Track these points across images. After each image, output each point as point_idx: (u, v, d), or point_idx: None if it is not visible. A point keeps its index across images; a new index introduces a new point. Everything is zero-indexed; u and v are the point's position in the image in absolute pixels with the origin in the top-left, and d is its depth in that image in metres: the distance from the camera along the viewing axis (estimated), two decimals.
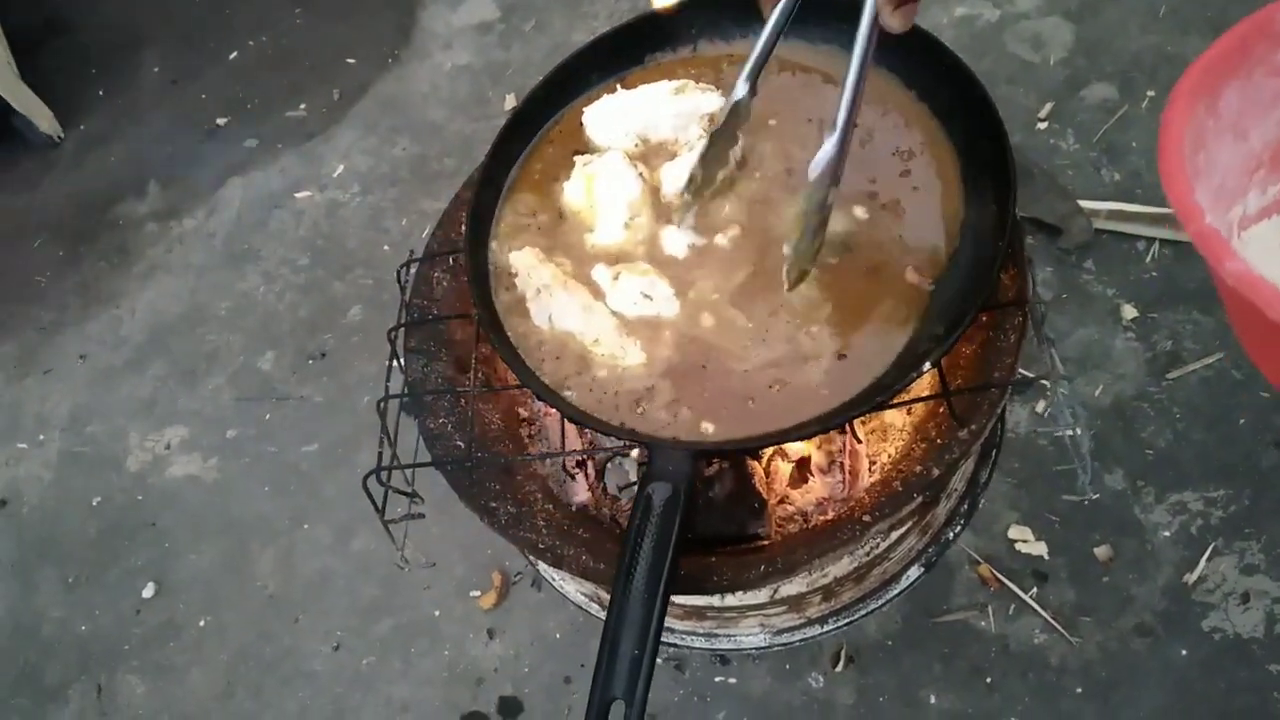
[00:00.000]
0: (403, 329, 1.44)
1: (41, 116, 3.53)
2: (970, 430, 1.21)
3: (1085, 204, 2.50)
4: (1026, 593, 2.11)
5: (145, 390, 2.93)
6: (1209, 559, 2.08)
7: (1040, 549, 2.16)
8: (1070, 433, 1.21)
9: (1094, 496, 2.18)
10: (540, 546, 1.25)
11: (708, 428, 1.20)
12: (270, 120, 3.42)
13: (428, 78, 3.35)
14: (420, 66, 3.39)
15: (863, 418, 1.37)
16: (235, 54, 3.65)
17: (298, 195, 3.20)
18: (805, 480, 1.41)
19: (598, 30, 3.22)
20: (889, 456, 1.40)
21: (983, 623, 2.10)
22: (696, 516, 1.18)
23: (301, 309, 2.96)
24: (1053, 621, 2.06)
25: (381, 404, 1.36)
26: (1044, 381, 1.23)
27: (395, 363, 1.45)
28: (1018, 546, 2.17)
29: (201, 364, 2.94)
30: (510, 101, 3.18)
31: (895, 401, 1.17)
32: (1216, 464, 2.18)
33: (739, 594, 1.32)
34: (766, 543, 1.31)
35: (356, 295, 2.93)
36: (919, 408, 1.37)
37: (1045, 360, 1.25)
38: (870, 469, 1.40)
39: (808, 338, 1.24)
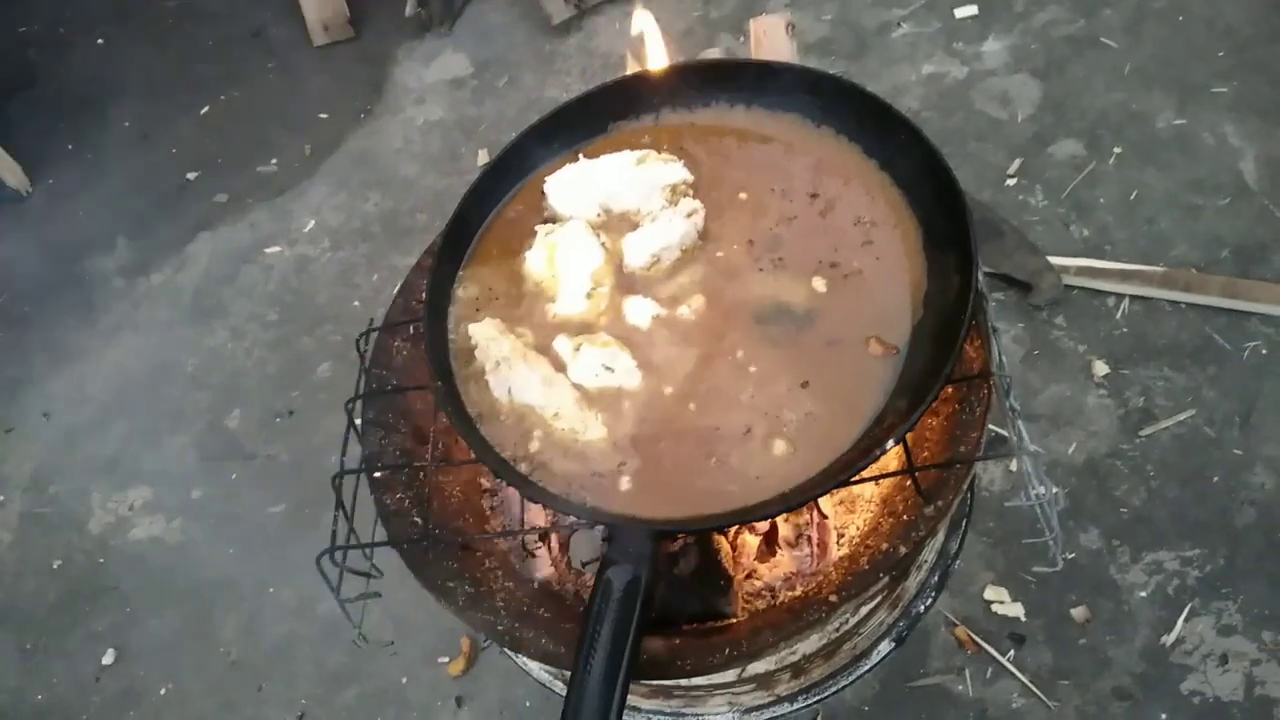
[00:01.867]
0: (360, 400, 1.41)
1: (9, 171, 3.50)
2: (936, 507, 1.19)
3: (1055, 260, 2.51)
4: (1004, 655, 2.09)
5: (109, 449, 2.88)
6: (1186, 620, 2.06)
7: (1017, 610, 2.14)
8: (1039, 504, 1.18)
9: (1068, 557, 2.16)
10: (499, 629, 1.22)
11: (670, 505, 1.17)
12: (241, 175, 3.41)
13: (400, 132, 3.35)
14: (392, 121, 3.39)
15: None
16: (206, 108, 3.64)
17: (267, 250, 3.17)
18: (773, 554, 1.38)
19: (570, 86, 3.24)
20: (857, 529, 1.38)
21: (960, 686, 2.07)
22: (660, 597, 1.14)
23: (269, 366, 2.92)
24: (1030, 685, 2.03)
25: (337, 479, 1.32)
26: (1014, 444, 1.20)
27: (353, 434, 1.42)
28: (994, 608, 2.15)
29: (166, 423, 2.89)
30: (483, 157, 3.18)
31: (860, 478, 1.15)
32: (1191, 522, 2.17)
33: None
34: (733, 621, 1.28)
35: (325, 352, 2.90)
36: (886, 479, 1.34)
37: (1011, 433, 1.23)
38: (839, 542, 1.37)
39: (771, 412, 1.22)
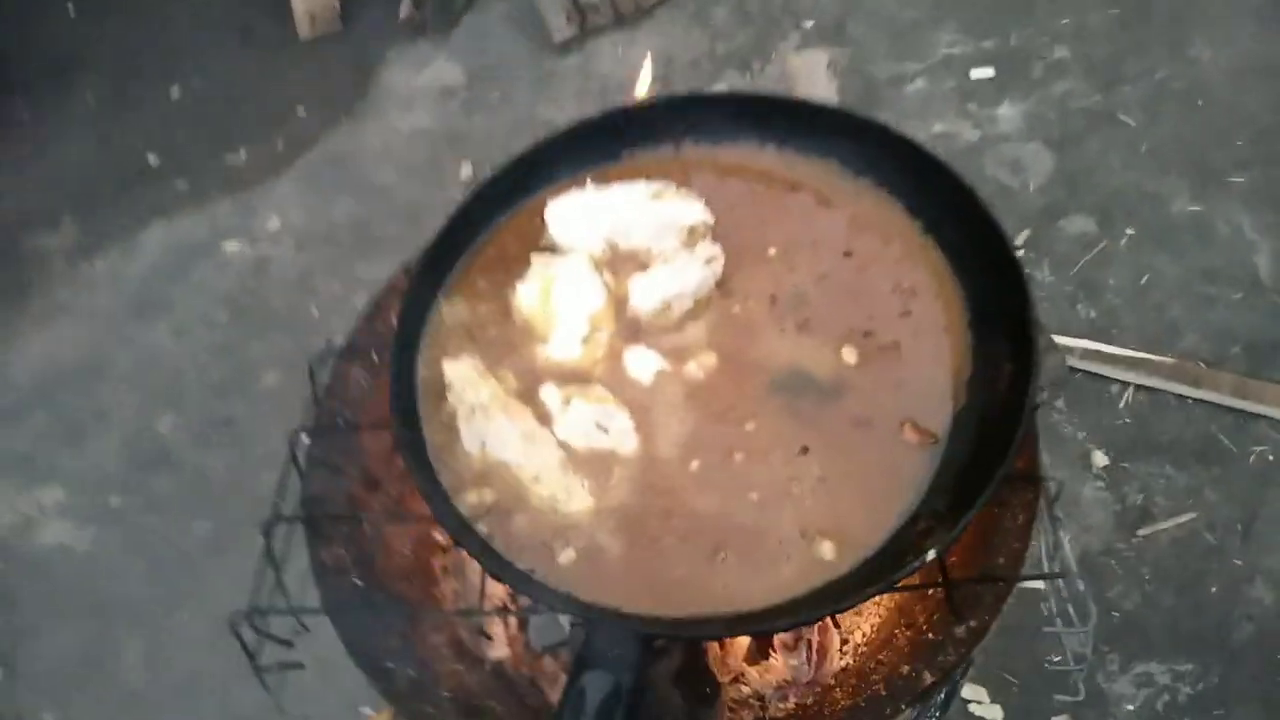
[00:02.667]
0: (306, 434, 1.22)
1: None
2: (970, 628, 1.02)
3: (1059, 340, 2.39)
4: None
5: (23, 444, 2.64)
6: None
7: (995, 713, 1.99)
8: (1077, 641, 1.03)
9: (1054, 661, 2.01)
10: None
11: (661, 600, 0.99)
12: (206, 164, 3.20)
13: (381, 138, 3.17)
14: (374, 125, 3.21)
15: None
16: (177, 90, 3.42)
17: (225, 246, 2.97)
18: (766, 656, 1.20)
19: (565, 108, 3.08)
20: (864, 635, 1.21)
21: None
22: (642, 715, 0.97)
23: (212, 370, 2.71)
24: None
25: (268, 527, 1.13)
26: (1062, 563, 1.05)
27: (294, 472, 1.23)
28: (971, 708, 1.99)
29: (91, 421, 2.66)
30: (466, 171, 3.01)
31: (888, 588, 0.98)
32: (1186, 634, 2.04)
33: None
34: None
35: (274, 360, 2.69)
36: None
37: (1056, 552, 1.08)
38: (841, 649, 1.20)
39: (787, 497, 1.05)
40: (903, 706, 0.98)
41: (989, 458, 1.01)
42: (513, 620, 1.26)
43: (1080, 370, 2.38)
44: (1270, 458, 2.23)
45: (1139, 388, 2.35)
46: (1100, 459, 2.26)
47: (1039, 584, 1.18)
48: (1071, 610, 1.08)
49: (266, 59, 3.51)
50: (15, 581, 2.43)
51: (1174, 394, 2.32)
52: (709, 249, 1.19)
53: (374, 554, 1.16)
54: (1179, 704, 1.97)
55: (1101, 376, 2.37)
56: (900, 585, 1.05)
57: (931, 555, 0.94)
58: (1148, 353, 2.37)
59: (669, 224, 1.20)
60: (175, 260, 2.97)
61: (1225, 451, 2.24)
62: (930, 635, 1.04)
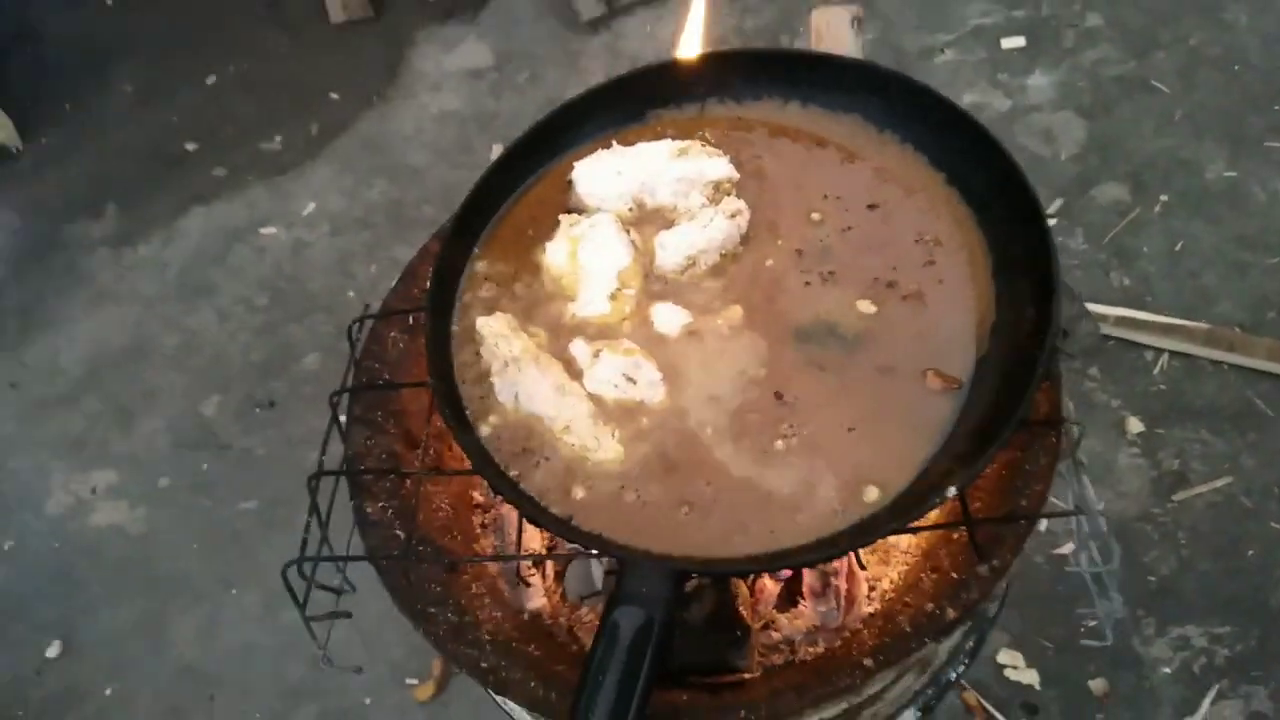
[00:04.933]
0: (348, 394, 1.26)
1: (0, 125, 3.35)
2: (992, 566, 1.04)
3: (1092, 307, 2.38)
4: None
5: (76, 427, 2.72)
6: (1212, 703, 1.92)
7: (1031, 677, 2.00)
8: (1101, 574, 1.05)
9: (1090, 625, 2.02)
10: (483, 666, 1.06)
11: (691, 541, 1.02)
12: (242, 150, 3.26)
13: (412, 120, 3.22)
14: (405, 108, 3.26)
15: None
16: (213, 78, 3.50)
17: (263, 231, 3.03)
18: (795, 604, 1.23)
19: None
20: (891, 582, 1.23)
21: None
22: (671, 648, 1.00)
23: (254, 352, 2.78)
24: None
25: (313, 480, 1.17)
26: (1080, 516, 1.07)
27: (336, 432, 1.27)
28: (1007, 673, 2.00)
29: (140, 403, 2.74)
30: (497, 151, 3.05)
31: (911, 528, 1.00)
32: (1223, 598, 2.03)
33: None
34: (747, 677, 1.13)
35: (314, 342, 2.75)
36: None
37: (1077, 490, 1.09)
38: (869, 595, 1.22)
39: (812, 444, 1.07)
40: (926, 640, 1.00)
41: (1011, 402, 1.02)
42: (549, 573, 1.30)
43: (1114, 338, 2.37)
44: None
45: (1173, 354, 2.34)
46: (1135, 425, 2.25)
47: (1067, 548, 1.18)
48: (1095, 551, 1.09)
49: (299, 44, 3.57)
50: (72, 561, 2.50)
51: (1209, 360, 2.31)
52: (733, 204, 1.21)
53: (414, 509, 1.19)
54: (1216, 666, 1.97)
55: (1135, 344, 2.36)
56: (926, 525, 1.08)
57: (952, 492, 0.96)
58: (1182, 319, 2.35)
59: (694, 181, 1.23)
60: (215, 246, 3.03)
61: (1261, 416, 2.23)
62: (955, 576, 1.06)
